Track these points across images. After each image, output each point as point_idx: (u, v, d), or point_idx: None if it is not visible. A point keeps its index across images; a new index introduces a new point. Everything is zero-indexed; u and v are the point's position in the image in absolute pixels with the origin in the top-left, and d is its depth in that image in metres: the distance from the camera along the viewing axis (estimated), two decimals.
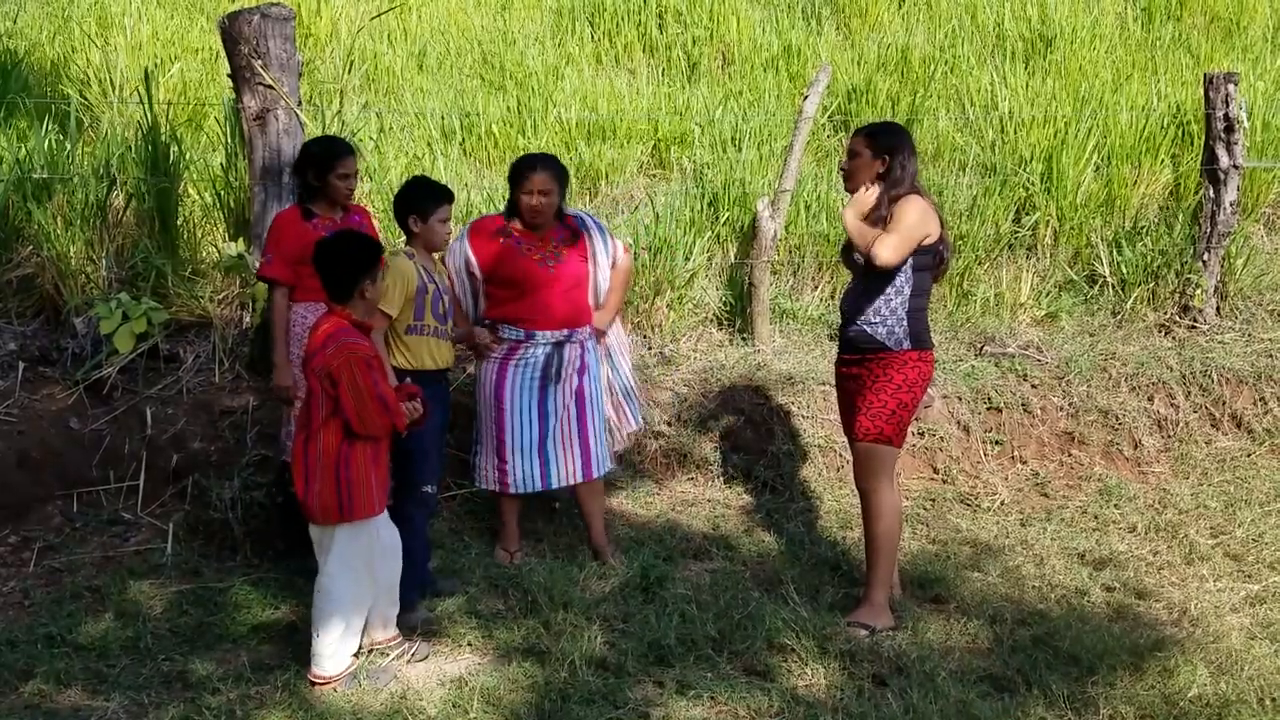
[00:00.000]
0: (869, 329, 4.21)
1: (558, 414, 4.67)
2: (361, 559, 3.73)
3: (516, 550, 4.78)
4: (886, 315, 4.19)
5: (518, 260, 4.58)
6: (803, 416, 5.81)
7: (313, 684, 3.71)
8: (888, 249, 4.10)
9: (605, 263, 4.75)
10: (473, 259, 4.62)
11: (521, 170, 4.58)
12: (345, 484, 3.65)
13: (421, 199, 4.28)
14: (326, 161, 4.39)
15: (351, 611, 3.73)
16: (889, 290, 4.19)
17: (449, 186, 4.45)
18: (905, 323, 4.19)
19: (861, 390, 4.27)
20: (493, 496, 4.87)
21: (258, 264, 4.72)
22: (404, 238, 4.49)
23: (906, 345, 4.19)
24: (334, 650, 3.71)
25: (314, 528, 3.77)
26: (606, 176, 7.02)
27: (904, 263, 4.15)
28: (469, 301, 4.71)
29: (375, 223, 4.84)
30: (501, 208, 4.86)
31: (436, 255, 4.46)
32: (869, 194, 4.21)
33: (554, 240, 4.63)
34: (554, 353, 4.63)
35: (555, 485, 4.71)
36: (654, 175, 7.30)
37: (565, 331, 4.64)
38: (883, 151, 4.21)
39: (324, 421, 3.64)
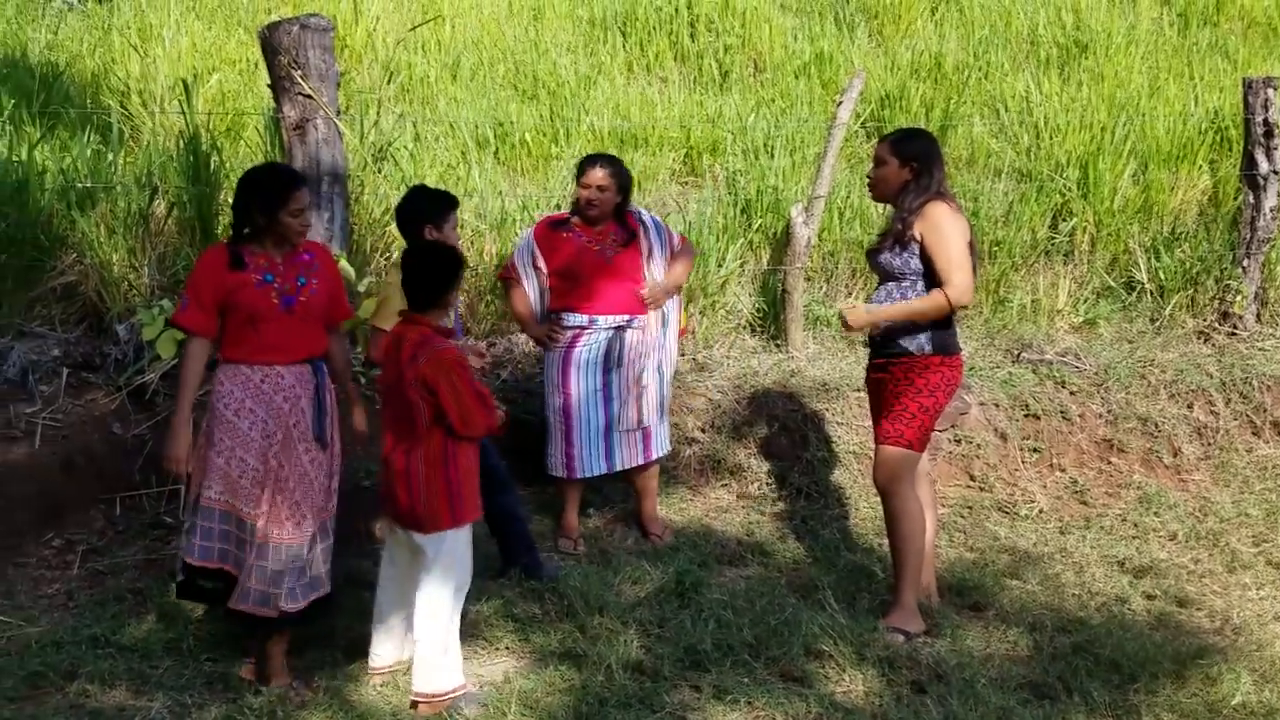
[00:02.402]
0: (892, 334, 4.21)
1: (621, 398, 4.86)
2: (461, 563, 3.72)
3: (578, 537, 4.95)
4: (909, 321, 4.18)
5: (577, 250, 4.84)
6: (837, 423, 5.80)
7: (415, 704, 3.65)
8: (960, 289, 4.07)
9: (661, 256, 4.96)
10: (538, 253, 4.90)
11: (582, 166, 4.88)
12: (455, 486, 3.66)
13: (434, 208, 4.26)
14: (277, 195, 3.74)
15: (457, 612, 3.72)
16: (912, 294, 4.18)
17: (452, 193, 4.43)
18: (929, 328, 4.17)
19: (886, 394, 4.27)
20: (556, 488, 5.06)
21: (179, 307, 3.94)
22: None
23: (929, 350, 4.17)
24: (444, 666, 3.65)
25: (416, 539, 3.69)
26: (639, 184, 6.99)
27: (924, 269, 4.14)
28: (536, 297, 4.94)
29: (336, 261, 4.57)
30: (540, 214, 4.95)
31: None
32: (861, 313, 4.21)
33: (611, 234, 4.88)
34: (615, 338, 4.83)
35: (618, 468, 4.92)
36: (686, 183, 7.32)
37: (625, 317, 4.85)
38: (910, 159, 4.20)
39: (426, 429, 3.64)
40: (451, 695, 3.65)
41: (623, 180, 4.87)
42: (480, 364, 4.20)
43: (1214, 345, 6.58)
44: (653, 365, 4.96)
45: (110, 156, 5.82)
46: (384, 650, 3.87)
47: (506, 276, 5.03)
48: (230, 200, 5.64)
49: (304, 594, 3.73)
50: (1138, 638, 4.23)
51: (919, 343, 4.18)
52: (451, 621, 3.69)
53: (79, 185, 5.56)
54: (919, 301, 4.13)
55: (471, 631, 4.11)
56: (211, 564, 3.71)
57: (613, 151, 7.07)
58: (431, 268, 3.73)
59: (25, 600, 4.31)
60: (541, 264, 4.90)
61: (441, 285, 3.71)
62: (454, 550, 3.69)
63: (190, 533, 3.74)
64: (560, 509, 5.04)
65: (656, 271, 4.95)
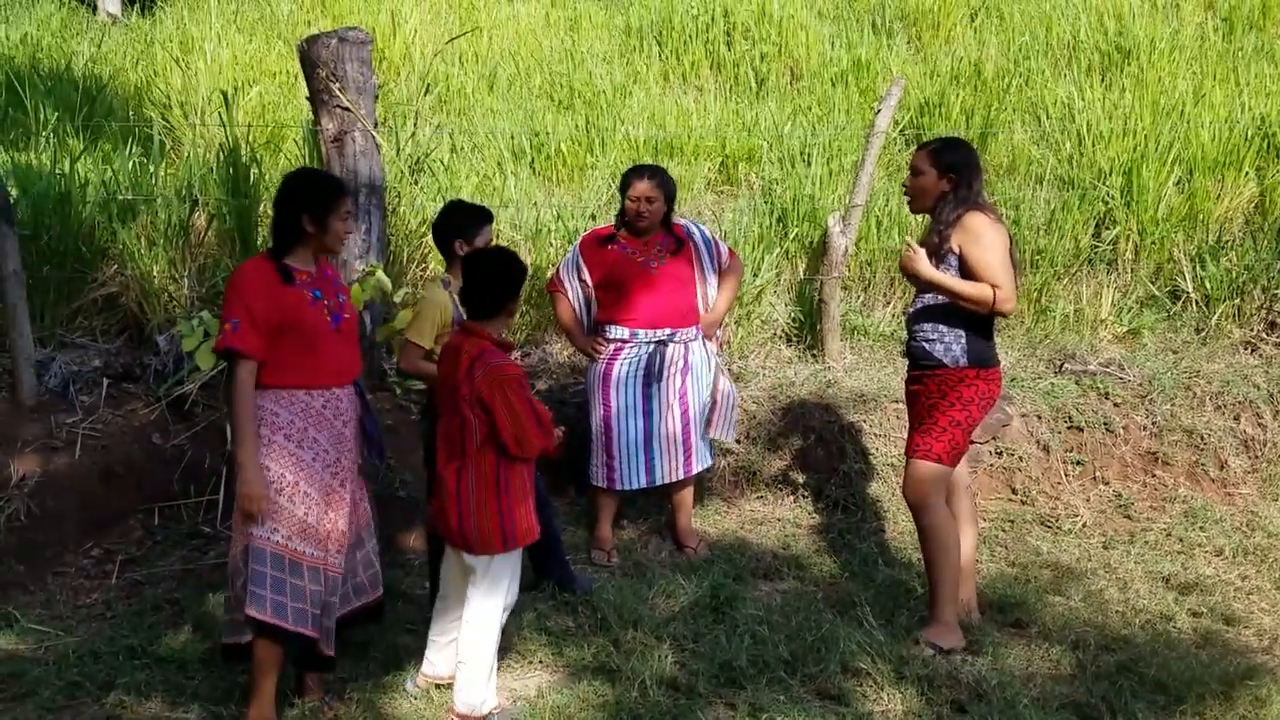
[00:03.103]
0: (927, 345, 4.15)
1: (661, 412, 4.85)
2: (506, 582, 3.66)
3: (612, 549, 4.94)
4: (945, 332, 4.12)
5: (622, 263, 4.83)
6: (874, 434, 5.73)
7: None
8: (1008, 297, 4.00)
9: (711, 270, 4.97)
10: (584, 266, 4.90)
11: (629, 178, 4.85)
12: (507, 510, 3.54)
13: (465, 222, 4.23)
14: (329, 200, 3.50)
15: (497, 639, 3.67)
16: (950, 306, 4.11)
17: (488, 208, 4.41)
18: (964, 339, 4.11)
19: (919, 407, 4.21)
20: (591, 499, 5.06)
21: (229, 330, 3.39)
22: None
23: (964, 363, 4.10)
24: (485, 684, 3.61)
25: (466, 558, 3.61)
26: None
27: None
28: (582, 309, 4.96)
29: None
30: (575, 224, 4.94)
31: None
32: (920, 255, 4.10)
33: (658, 245, 4.87)
34: (656, 352, 4.82)
35: (659, 482, 4.92)
36: (722, 192, 7.29)
37: (667, 331, 4.84)
38: (948, 169, 4.13)
39: (478, 448, 3.51)
40: (487, 715, 3.63)
41: (669, 190, 4.86)
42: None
43: (1261, 356, 6.45)
44: (695, 381, 4.91)
45: (151, 169, 5.89)
46: (439, 659, 3.83)
47: (552, 289, 5.03)
48: (268, 211, 5.73)
49: (342, 605, 3.64)
50: (1184, 657, 4.13)
51: (954, 355, 4.12)
52: (497, 639, 3.67)
53: (120, 197, 5.63)
54: (969, 285, 4.04)
55: (505, 645, 4.08)
56: (285, 624, 3.40)
57: (647, 161, 7.08)
58: (492, 274, 3.59)
59: (64, 610, 4.35)
60: (586, 276, 4.90)
61: (503, 293, 3.58)
62: (503, 570, 3.64)
63: (253, 583, 3.37)
64: (595, 520, 5.02)
65: (709, 289, 4.95)
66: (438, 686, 3.82)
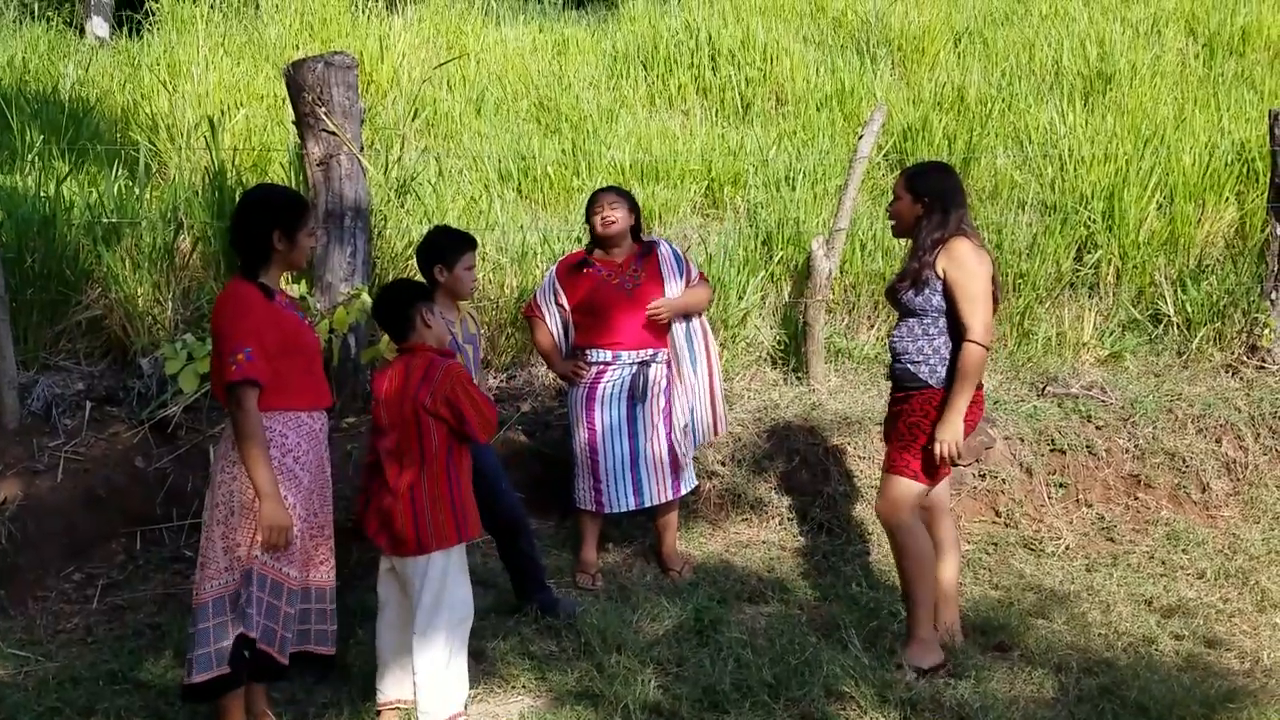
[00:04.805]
0: (913, 367, 4.16)
1: (647, 433, 4.87)
2: (455, 594, 3.67)
3: (596, 573, 4.94)
4: (930, 354, 4.14)
5: (599, 287, 4.88)
6: (859, 457, 5.75)
7: None
8: (980, 333, 4.00)
9: (677, 283, 4.93)
10: (561, 291, 4.95)
11: (594, 196, 4.95)
12: (459, 501, 3.65)
13: (445, 248, 4.29)
14: (298, 214, 3.48)
15: (456, 638, 3.66)
16: (934, 330, 4.14)
17: (471, 234, 4.45)
18: (949, 361, 4.13)
19: (900, 425, 4.22)
20: (575, 522, 5.07)
21: (243, 360, 3.31)
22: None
23: (949, 384, 4.13)
24: (450, 696, 3.62)
25: (405, 568, 3.67)
26: (660, 217, 7.06)
27: (946, 306, 4.11)
28: (560, 333, 5.00)
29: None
30: (561, 247, 4.95)
31: (464, 304, 4.47)
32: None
33: (631, 265, 4.92)
34: (639, 373, 4.86)
35: (648, 503, 4.93)
36: (707, 215, 7.33)
37: (650, 351, 4.88)
38: (921, 194, 4.17)
39: (435, 450, 3.63)
40: (455, 718, 3.62)
41: (630, 200, 4.97)
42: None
43: (1242, 379, 6.50)
44: (682, 404, 4.96)
45: (137, 191, 5.89)
46: (385, 686, 3.81)
47: (530, 314, 5.06)
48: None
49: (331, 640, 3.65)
50: (1165, 680, 4.14)
51: (939, 376, 4.13)
52: (455, 655, 3.66)
53: (105, 220, 5.63)
54: (961, 382, 4.02)
55: (488, 669, 4.08)
56: (272, 651, 3.43)
57: (633, 184, 7.13)
58: (385, 303, 3.77)
59: (44, 635, 4.32)
60: (564, 300, 4.94)
61: (399, 309, 3.71)
62: (443, 578, 3.64)
63: (248, 605, 3.36)
64: (579, 544, 5.02)
65: (670, 293, 4.94)
66: (394, 708, 3.79)
